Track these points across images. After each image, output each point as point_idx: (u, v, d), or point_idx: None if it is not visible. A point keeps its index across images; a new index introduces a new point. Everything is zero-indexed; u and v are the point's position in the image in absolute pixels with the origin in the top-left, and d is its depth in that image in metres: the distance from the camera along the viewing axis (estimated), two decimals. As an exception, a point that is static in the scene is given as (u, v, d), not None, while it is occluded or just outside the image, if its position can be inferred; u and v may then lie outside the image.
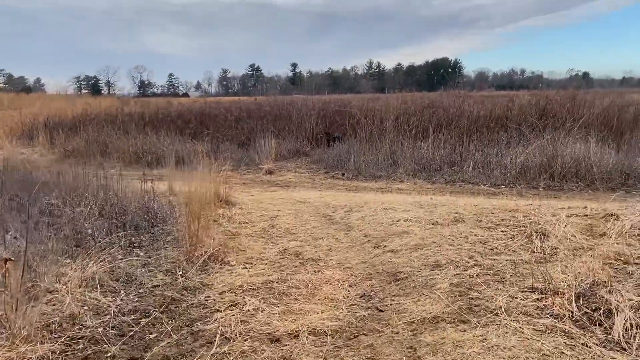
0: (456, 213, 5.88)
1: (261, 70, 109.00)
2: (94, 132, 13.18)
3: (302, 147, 13.62)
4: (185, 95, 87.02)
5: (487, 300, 3.57)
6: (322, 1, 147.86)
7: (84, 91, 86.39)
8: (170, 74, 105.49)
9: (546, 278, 3.81)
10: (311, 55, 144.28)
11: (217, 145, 13.04)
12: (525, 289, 3.75)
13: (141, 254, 4.81)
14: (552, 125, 11.92)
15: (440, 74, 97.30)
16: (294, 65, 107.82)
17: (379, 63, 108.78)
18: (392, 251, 4.84)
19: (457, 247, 4.71)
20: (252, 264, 4.77)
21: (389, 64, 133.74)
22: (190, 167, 11.70)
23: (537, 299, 3.56)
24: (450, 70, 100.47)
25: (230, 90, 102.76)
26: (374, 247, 5.09)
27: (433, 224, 5.57)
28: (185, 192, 7.35)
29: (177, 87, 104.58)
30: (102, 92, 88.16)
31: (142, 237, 5.22)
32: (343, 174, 10.17)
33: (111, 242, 4.84)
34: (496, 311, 3.40)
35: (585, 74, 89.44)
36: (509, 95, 22.14)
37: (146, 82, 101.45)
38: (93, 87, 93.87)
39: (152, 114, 16.54)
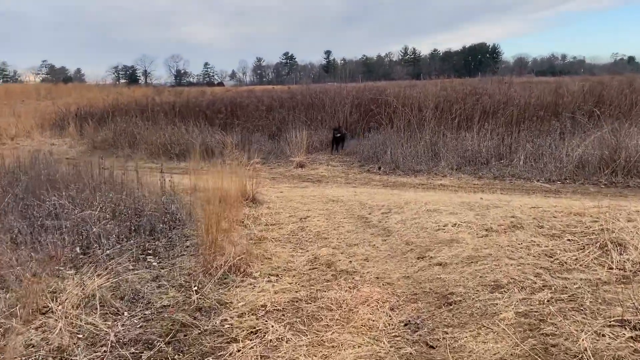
0: (512, 217, 5.11)
1: (295, 58, 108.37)
2: (122, 123, 12.90)
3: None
4: (220, 84, 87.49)
5: (567, 339, 2.85)
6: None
7: (122, 81, 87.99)
8: (206, 64, 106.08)
9: (638, 307, 3.06)
10: (345, 43, 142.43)
11: (247, 136, 12.53)
12: (613, 322, 3.00)
13: (154, 263, 4.29)
14: (609, 113, 10.83)
15: (478, 60, 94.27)
16: (328, 53, 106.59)
17: (414, 49, 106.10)
18: (440, 264, 4.15)
19: (519, 262, 3.97)
20: (277, 275, 4.18)
21: (424, 49, 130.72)
22: (218, 159, 11.25)
23: (632, 338, 2.81)
24: (488, 56, 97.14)
25: (264, 79, 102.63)
26: (418, 258, 4.40)
27: (486, 230, 4.83)
28: (208, 190, 6.85)
29: (213, 76, 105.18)
30: (140, 81, 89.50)
31: (158, 242, 4.71)
32: (379, 168, 9.46)
33: (122, 249, 4.34)
34: (580, 355, 2.68)
35: (631, 59, 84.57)
36: (552, 81, 20.73)
37: (182, 72, 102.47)
38: (130, 76, 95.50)
39: (182, 104, 16.20)
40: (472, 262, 4.06)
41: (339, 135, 11.54)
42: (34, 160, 8.93)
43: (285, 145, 11.33)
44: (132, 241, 4.48)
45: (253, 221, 5.77)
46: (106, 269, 3.83)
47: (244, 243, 4.75)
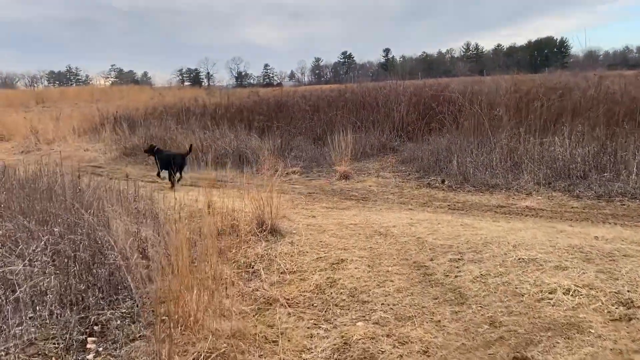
0: (665, 280, 3.19)
1: (353, 57, 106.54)
2: (155, 128, 11.79)
3: (388, 142, 11.17)
4: (279, 85, 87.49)
5: None
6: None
7: (186, 83, 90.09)
8: (266, 65, 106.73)
9: None
10: (404, 40, 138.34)
11: (287, 140, 11.02)
12: None
13: (94, 352, 2.79)
14: None
15: (544, 55, 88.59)
16: (387, 51, 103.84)
17: (476, 45, 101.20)
18: (559, 385, 2.35)
19: None
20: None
21: (487, 45, 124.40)
22: (253, 168, 9.82)
23: None
24: (555, 50, 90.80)
25: (322, 79, 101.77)
26: (514, 358, 2.62)
27: (626, 305, 2.96)
28: (220, 212, 5.35)
29: (272, 77, 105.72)
30: (203, 83, 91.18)
31: (113, 311, 3.21)
32: (443, 182, 7.60)
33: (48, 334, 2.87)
34: None
35: None
36: (631, 74, 17.63)
37: (243, 73, 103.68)
38: (194, 79, 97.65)
39: (219, 106, 14.98)
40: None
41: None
42: (39, 172, 7.85)
43: (329, 151, 9.68)
44: (73, 312, 2.99)
45: (266, 265, 4.18)
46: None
47: (237, 316, 3.17)
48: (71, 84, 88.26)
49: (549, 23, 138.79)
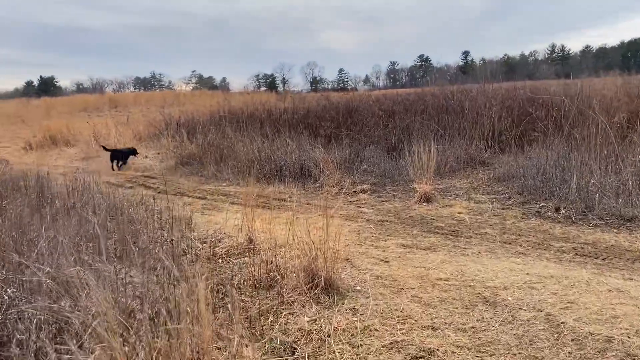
0: None
1: (430, 60, 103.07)
2: (213, 135, 10.84)
3: (477, 154, 9.40)
4: (354, 89, 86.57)
5: None
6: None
7: (262, 88, 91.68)
8: (340, 69, 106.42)
9: None
10: (484, 42, 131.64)
11: (357, 151, 9.59)
12: None
13: None
14: None
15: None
16: (465, 53, 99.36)
17: (562, 46, 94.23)
18: None
19: None
20: None
21: (574, 46, 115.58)
22: (315, 184, 8.49)
23: None
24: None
25: (397, 83, 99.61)
26: None
27: None
28: (263, 247, 4.04)
29: (346, 81, 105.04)
30: (278, 89, 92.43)
31: None
32: (557, 210, 5.79)
33: None
34: None
35: None
36: None
37: (317, 78, 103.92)
38: (270, 84, 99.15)
39: (292, 111, 13.84)
40: None
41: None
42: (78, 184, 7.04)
43: (406, 165, 8.12)
44: None
45: (313, 351, 2.77)
46: None
47: None
48: (155, 90, 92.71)
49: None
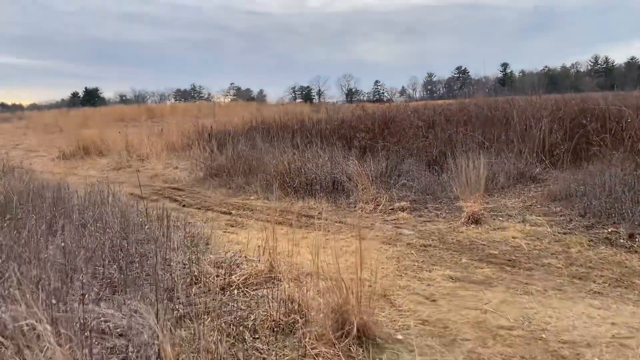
0: None
1: (468, 72, 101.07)
2: (244, 146, 10.37)
3: (528, 169, 8.55)
4: (389, 101, 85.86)
5: None
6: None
7: (298, 100, 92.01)
8: (376, 81, 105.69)
9: None
10: (524, 54, 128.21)
11: (395, 163, 8.90)
12: None
13: None
14: None
15: (690, 68, 76.61)
16: (505, 65, 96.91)
17: (606, 58, 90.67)
18: None
19: None
20: None
21: (618, 58, 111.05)
22: (348, 199, 7.84)
23: None
24: None
25: (434, 95, 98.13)
26: None
27: None
28: (287, 276, 3.44)
29: (382, 93, 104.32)
30: (314, 100, 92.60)
31: None
32: (631, 237, 4.95)
33: None
34: None
35: None
36: None
37: (353, 90, 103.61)
38: (306, 96, 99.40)
39: (325, 121, 13.30)
40: None
41: None
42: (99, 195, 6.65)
43: (450, 180, 7.36)
44: None
45: None
46: None
47: None
48: (195, 101, 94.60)
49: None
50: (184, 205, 8.01)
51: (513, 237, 5.21)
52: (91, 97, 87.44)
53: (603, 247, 4.78)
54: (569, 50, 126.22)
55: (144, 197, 9.02)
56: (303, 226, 6.24)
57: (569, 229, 5.41)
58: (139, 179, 11.40)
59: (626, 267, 4.23)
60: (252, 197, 8.55)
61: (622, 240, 4.92)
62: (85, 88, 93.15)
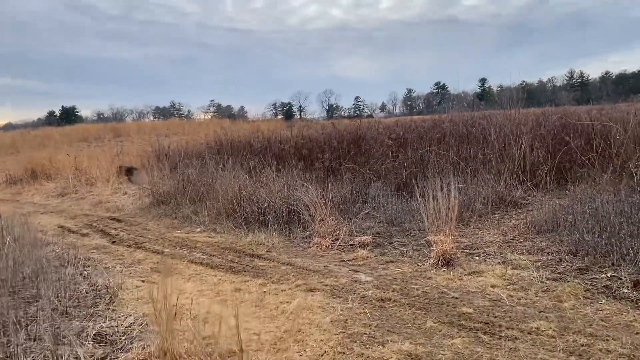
0: None
1: (447, 87, 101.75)
2: (194, 169, 9.28)
3: (508, 192, 7.67)
4: (370, 116, 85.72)
5: None
6: (513, 11, 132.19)
7: (279, 116, 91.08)
8: (357, 97, 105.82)
9: None
10: (501, 70, 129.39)
11: (360, 188, 7.92)
12: None
13: None
14: None
15: (663, 83, 78.37)
16: (483, 81, 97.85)
17: (581, 72, 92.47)
18: None
19: None
20: None
21: (592, 73, 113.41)
22: (304, 231, 6.80)
23: None
24: (679, 76, 79.66)
25: (414, 110, 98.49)
26: None
27: None
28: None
29: (363, 109, 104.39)
30: (295, 116, 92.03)
31: None
32: (636, 285, 4.00)
33: None
34: None
35: None
36: None
37: (334, 106, 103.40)
38: (286, 112, 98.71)
39: (294, 139, 12.27)
40: None
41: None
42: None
43: (420, 207, 6.36)
44: None
45: None
46: None
47: None
48: (174, 119, 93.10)
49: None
50: (114, 242, 6.87)
51: (492, 286, 4.22)
52: (68, 116, 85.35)
53: (604, 301, 3.81)
54: (546, 65, 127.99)
55: (74, 232, 7.88)
56: (243, 271, 5.18)
57: (559, 274, 4.44)
58: (80, 207, 10.23)
59: (637, 333, 3.26)
60: (198, 230, 7.46)
61: (625, 290, 3.96)
62: (62, 106, 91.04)
